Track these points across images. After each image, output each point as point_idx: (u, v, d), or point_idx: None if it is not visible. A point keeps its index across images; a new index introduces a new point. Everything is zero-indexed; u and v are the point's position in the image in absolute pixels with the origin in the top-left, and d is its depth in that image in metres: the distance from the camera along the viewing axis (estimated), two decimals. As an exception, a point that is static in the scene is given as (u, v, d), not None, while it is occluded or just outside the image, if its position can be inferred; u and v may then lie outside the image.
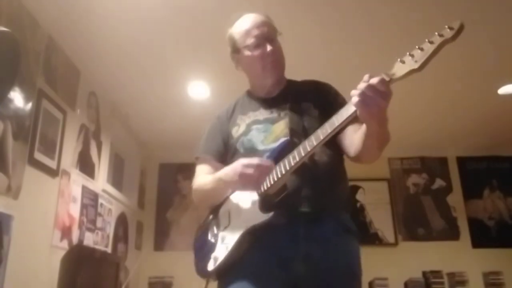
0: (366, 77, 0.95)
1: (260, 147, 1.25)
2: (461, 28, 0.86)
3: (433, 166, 4.56)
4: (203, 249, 1.28)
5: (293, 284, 1.13)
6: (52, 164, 2.38)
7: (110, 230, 3.32)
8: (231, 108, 1.43)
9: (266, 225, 1.11)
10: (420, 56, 0.89)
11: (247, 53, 1.34)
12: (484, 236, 4.28)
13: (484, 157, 4.52)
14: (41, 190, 2.27)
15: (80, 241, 2.71)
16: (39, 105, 2.26)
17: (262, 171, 1.12)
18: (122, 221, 3.62)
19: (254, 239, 1.15)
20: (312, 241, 1.14)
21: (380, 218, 4.34)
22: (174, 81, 3.08)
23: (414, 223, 4.34)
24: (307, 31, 2.54)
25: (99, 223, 3.05)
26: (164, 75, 2.99)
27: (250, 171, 1.12)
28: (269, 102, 1.35)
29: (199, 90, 3.17)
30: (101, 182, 3.13)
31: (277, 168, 1.12)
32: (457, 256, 4.14)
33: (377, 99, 0.93)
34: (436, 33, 0.88)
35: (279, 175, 1.11)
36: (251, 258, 1.15)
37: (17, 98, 2.06)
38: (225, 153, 1.35)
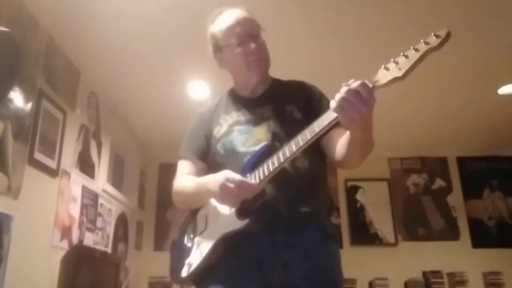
0: (350, 82, 0.93)
1: (241, 149, 1.21)
2: (447, 37, 0.84)
3: (433, 166, 4.57)
4: (178, 253, 1.25)
5: None
6: (52, 164, 2.38)
7: (110, 230, 3.32)
8: (213, 106, 1.38)
9: (242, 232, 1.07)
10: (404, 63, 0.87)
11: (230, 51, 1.29)
12: (484, 236, 4.28)
13: (484, 157, 4.52)
14: (41, 190, 2.27)
15: (80, 241, 2.71)
16: (39, 105, 2.26)
17: (243, 189, 1.06)
18: (122, 221, 3.62)
19: (230, 245, 1.11)
20: (291, 249, 1.11)
21: (380, 218, 4.34)
22: (174, 81, 3.08)
23: (414, 223, 4.34)
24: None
25: (99, 223, 3.05)
26: (164, 75, 2.99)
27: (231, 186, 1.05)
28: (252, 102, 1.31)
29: (199, 90, 3.17)
30: (101, 182, 3.13)
31: (256, 173, 1.09)
32: (457, 256, 4.14)
33: (357, 105, 0.90)
34: (422, 41, 0.86)
35: (257, 181, 1.08)
36: (227, 265, 1.12)
37: (17, 98, 2.06)
38: (207, 152, 1.30)
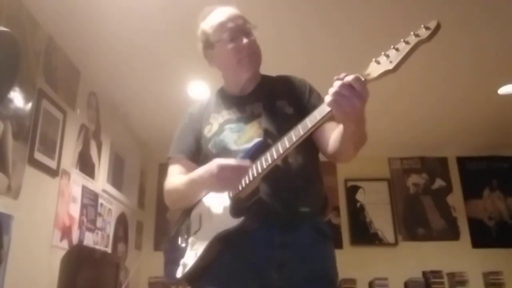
0: (342, 75, 0.93)
1: (233, 147, 1.20)
2: (437, 28, 0.84)
3: (433, 166, 4.56)
4: (173, 254, 1.24)
5: None
6: (52, 164, 2.38)
7: (110, 230, 3.32)
8: (203, 106, 1.37)
9: (237, 230, 1.06)
10: (395, 56, 0.87)
11: (222, 47, 1.28)
12: (484, 236, 4.28)
13: (484, 157, 4.52)
14: (41, 190, 2.27)
15: (80, 241, 2.71)
16: (39, 105, 2.26)
17: (240, 172, 1.07)
18: (122, 221, 3.62)
19: (224, 245, 1.10)
20: (286, 249, 1.10)
21: (380, 218, 4.34)
22: (174, 81, 3.08)
23: (414, 223, 4.34)
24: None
25: (99, 223, 3.05)
26: (165, 75, 2.99)
27: (228, 173, 1.06)
28: (243, 100, 1.30)
29: (199, 90, 3.17)
30: (101, 182, 3.13)
31: (250, 171, 1.08)
32: (457, 256, 4.14)
33: (351, 99, 0.90)
34: (412, 33, 0.87)
35: (251, 178, 1.07)
36: (223, 265, 1.11)
37: (17, 98, 2.06)
38: (197, 152, 1.30)
